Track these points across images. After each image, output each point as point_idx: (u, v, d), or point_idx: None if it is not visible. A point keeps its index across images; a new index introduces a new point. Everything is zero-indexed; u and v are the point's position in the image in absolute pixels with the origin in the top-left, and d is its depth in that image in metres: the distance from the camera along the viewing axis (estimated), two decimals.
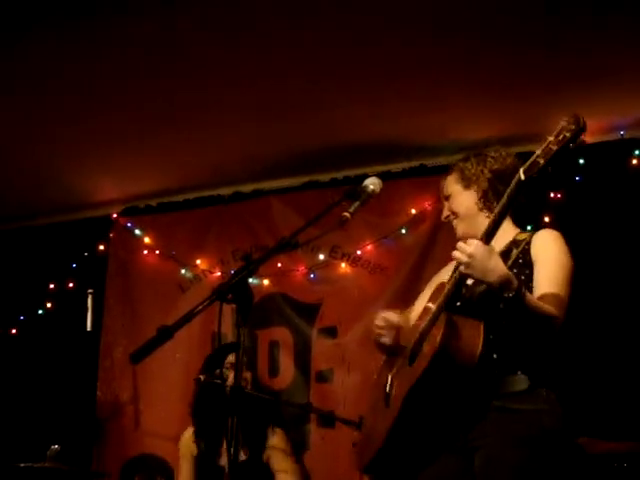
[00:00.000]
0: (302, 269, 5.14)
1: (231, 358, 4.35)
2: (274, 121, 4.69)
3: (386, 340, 2.82)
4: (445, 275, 2.97)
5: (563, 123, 2.32)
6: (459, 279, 2.54)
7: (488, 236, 2.47)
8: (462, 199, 2.86)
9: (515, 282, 2.43)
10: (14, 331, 5.83)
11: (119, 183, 5.55)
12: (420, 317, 2.80)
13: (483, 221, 2.75)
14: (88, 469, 5.08)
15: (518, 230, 2.80)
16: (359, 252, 5.03)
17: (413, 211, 4.91)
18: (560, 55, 4.00)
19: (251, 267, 2.36)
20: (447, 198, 2.92)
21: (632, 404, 4.12)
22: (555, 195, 4.60)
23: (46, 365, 5.67)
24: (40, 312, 5.78)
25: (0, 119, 4.64)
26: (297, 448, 4.57)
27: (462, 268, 2.45)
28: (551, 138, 2.33)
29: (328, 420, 4.73)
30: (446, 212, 2.93)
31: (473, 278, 2.49)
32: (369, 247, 5.00)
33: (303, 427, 4.94)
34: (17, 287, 5.87)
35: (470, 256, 2.40)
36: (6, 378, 5.74)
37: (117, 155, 5.14)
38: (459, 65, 4.10)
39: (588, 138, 4.54)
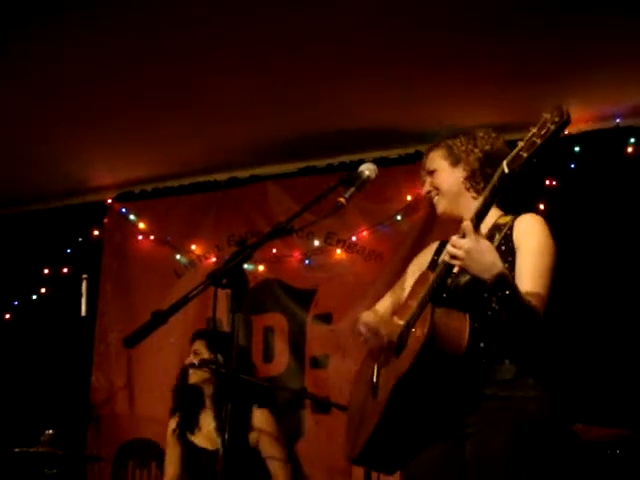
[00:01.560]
0: (297, 255, 5.14)
1: (195, 345, 4.37)
2: (270, 107, 4.68)
3: (371, 343, 2.79)
4: (423, 262, 2.95)
5: (547, 115, 2.23)
6: (445, 271, 2.49)
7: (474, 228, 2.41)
8: (447, 175, 2.80)
9: (511, 280, 2.40)
10: (8, 316, 5.82)
11: (114, 168, 5.54)
12: (402, 307, 2.78)
13: (467, 201, 2.74)
14: (82, 453, 5.09)
15: (500, 212, 2.74)
16: (354, 238, 5.03)
17: (409, 197, 4.90)
18: (556, 43, 3.99)
19: (246, 252, 2.35)
20: (431, 173, 2.85)
21: (626, 391, 4.14)
22: (550, 182, 4.60)
23: (40, 350, 5.67)
24: (34, 297, 5.78)
25: None
26: (289, 432, 4.59)
27: (457, 263, 2.40)
28: (534, 130, 2.25)
29: (323, 406, 4.74)
30: (428, 187, 2.86)
31: (468, 274, 2.45)
32: (364, 233, 5.00)
33: (298, 413, 4.95)
34: (11, 272, 5.86)
35: (467, 252, 2.35)
36: (0, 363, 5.74)
37: (112, 140, 5.12)
38: (455, 52, 4.09)
39: (584, 125, 4.57)
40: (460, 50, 4.07)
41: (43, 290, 5.77)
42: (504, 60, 4.16)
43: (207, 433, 4.26)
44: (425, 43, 4.04)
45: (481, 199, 2.42)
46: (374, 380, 2.75)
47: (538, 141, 2.23)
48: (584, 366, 4.26)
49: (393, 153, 5.02)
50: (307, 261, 5.14)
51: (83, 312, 5.53)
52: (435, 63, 4.21)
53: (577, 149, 4.59)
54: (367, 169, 2.75)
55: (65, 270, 5.75)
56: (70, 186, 5.76)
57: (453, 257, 2.39)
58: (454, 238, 2.40)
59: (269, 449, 4.21)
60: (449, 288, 2.55)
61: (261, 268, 5.19)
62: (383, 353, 2.75)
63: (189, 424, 4.31)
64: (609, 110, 4.54)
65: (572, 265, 4.34)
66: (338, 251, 5.08)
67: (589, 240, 4.43)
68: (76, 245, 5.75)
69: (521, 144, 2.27)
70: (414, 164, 4.91)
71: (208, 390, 4.29)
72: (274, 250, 5.11)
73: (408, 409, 2.57)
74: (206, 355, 4.24)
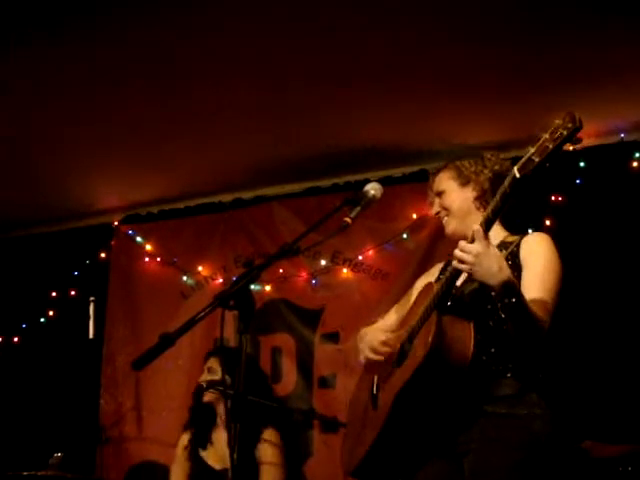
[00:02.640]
0: (304, 275, 5.14)
1: (209, 363, 4.38)
2: (275, 127, 4.69)
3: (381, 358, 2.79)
4: (432, 276, 2.95)
5: (558, 121, 2.24)
6: (451, 279, 2.49)
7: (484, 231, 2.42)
8: (456, 196, 2.83)
9: (518, 287, 2.39)
10: (16, 339, 5.83)
11: (120, 191, 5.56)
12: (405, 320, 2.78)
13: (477, 220, 2.75)
14: (91, 477, 5.07)
15: (507, 233, 2.77)
16: (360, 257, 5.02)
17: (414, 216, 4.90)
18: (559, 58, 4.00)
19: (253, 273, 2.36)
20: (439, 194, 2.88)
21: (635, 406, 4.12)
22: (556, 198, 4.59)
23: (49, 373, 5.67)
24: (42, 320, 5.78)
25: (1, 129, 4.65)
26: (298, 452, 4.58)
27: (464, 267, 2.37)
28: (546, 136, 2.24)
29: (331, 426, 4.72)
30: (437, 208, 2.89)
31: (474, 279, 2.44)
32: (370, 252, 5.00)
33: (306, 433, 4.93)
34: (19, 295, 5.87)
35: (476, 256, 2.33)
36: (9, 386, 5.74)
37: (118, 163, 5.14)
38: (459, 70, 4.10)
39: (588, 141, 4.57)
40: (464, 67, 4.08)
41: (51, 313, 5.78)
42: (508, 77, 4.17)
43: (218, 451, 4.26)
44: (429, 61, 4.05)
45: (491, 205, 2.41)
46: (374, 391, 2.74)
47: (550, 145, 2.23)
48: (592, 382, 4.23)
49: (398, 172, 5.03)
50: (314, 281, 5.13)
51: (91, 334, 5.52)
52: (439, 81, 4.21)
53: (582, 164, 4.60)
54: (372, 188, 2.76)
55: (72, 293, 5.76)
56: (77, 209, 5.78)
57: (461, 262, 2.37)
58: (462, 243, 2.38)
59: (269, 457, 4.21)
60: (454, 296, 2.55)
61: (268, 288, 5.19)
62: (384, 364, 2.74)
63: (201, 440, 4.31)
64: (613, 125, 4.55)
65: (579, 280, 4.33)
66: (344, 270, 5.07)
67: (596, 255, 4.42)
68: (83, 268, 5.76)
69: (532, 149, 2.27)
70: (419, 182, 4.91)
71: (220, 408, 4.31)
72: (281, 270, 5.11)
73: (409, 422, 2.56)
74: (219, 372, 4.26)
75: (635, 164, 4.52)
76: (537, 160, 2.25)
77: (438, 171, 2.92)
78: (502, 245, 2.68)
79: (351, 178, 5.13)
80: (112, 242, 5.74)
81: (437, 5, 3.62)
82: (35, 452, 4.92)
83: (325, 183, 5.25)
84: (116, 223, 5.76)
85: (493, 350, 2.53)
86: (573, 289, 4.34)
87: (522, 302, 2.38)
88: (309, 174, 5.21)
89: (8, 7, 3.54)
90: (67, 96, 4.31)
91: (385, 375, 2.70)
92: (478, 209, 2.78)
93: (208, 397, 4.33)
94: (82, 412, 5.47)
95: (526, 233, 2.73)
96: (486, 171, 2.79)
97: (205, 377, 4.32)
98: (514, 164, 2.32)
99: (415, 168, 4.97)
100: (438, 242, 4.67)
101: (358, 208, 2.68)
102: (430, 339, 2.42)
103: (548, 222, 4.50)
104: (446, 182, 2.86)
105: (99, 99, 4.35)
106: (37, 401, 5.62)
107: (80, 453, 5.18)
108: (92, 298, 5.58)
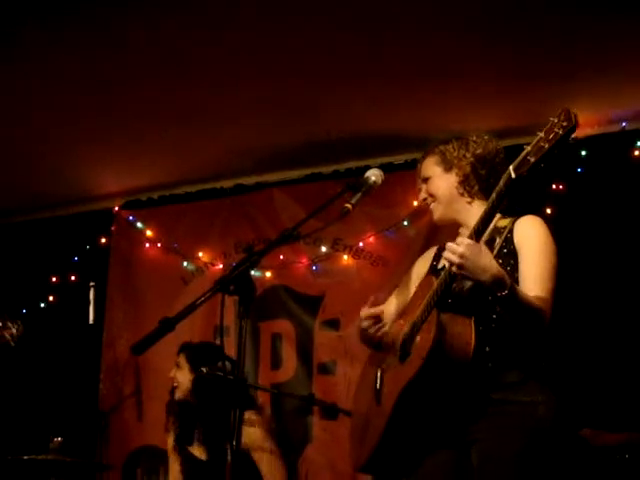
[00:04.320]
0: (304, 261, 5.14)
1: (178, 359, 4.38)
2: (275, 113, 4.69)
3: (375, 333, 2.77)
4: (423, 266, 2.94)
5: (554, 119, 2.21)
6: (449, 277, 2.48)
7: (478, 234, 2.43)
8: (441, 182, 2.80)
9: (508, 280, 2.38)
10: None
11: (120, 176, 5.56)
12: (406, 312, 2.77)
13: (462, 206, 2.74)
14: (91, 461, 5.09)
15: (499, 215, 2.71)
16: (361, 244, 5.03)
17: (415, 203, 4.88)
18: (561, 46, 3.99)
19: (253, 259, 2.35)
20: (425, 180, 2.86)
21: (634, 395, 4.13)
22: (557, 187, 4.59)
23: (49, 358, 5.68)
24: (42, 305, 5.80)
25: (1, 113, 4.64)
26: (297, 438, 4.59)
27: (454, 269, 2.39)
28: (541, 134, 2.23)
29: (331, 412, 4.73)
30: (423, 194, 2.87)
31: (465, 278, 2.45)
32: (371, 239, 5.00)
33: (305, 419, 4.94)
34: (19, 280, 5.87)
35: (462, 256, 2.34)
36: (9, 371, 5.75)
37: (118, 148, 5.14)
38: (461, 57, 4.10)
39: (590, 129, 4.57)
40: (464, 55, 4.08)
41: (51, 298, 5.79)
42: (509, 64, 4.16)
43: (202, 443, 4.25)
44: (428, 48, 4.04)
45: (488, 204, 2.42)
46: (377, 386, 2.73)
47: (546, 145, 2.21)
48: (591, 370, 4.25)
49: (399, 159, 5.02)
50: (314, 267, 5.14)
51: (91, 320, 5.54)
52: (439, 68, 4.21)
53: (584, 153, 4.59)
54: (373, 175, 2.76)
55: (73, 278, 5.77)
56: (77, 194, 5.78)
57: (451, 263, 2.39)
58: (449, 244, 2.39)
59: (257, 442, 4.15)
60: (454, 293, 2.55)
61: (268, 274, 5.19)
62: (386, 357, 2.74)
63: (186, 437, 4.29)
64: (615, 114, 4.54)
65: (579, 269, 4.35)
66: (345, 257, 5.08)
67: (596, 244, 4.42)
68: (83, 253, 5.77)
69: (528, 148, 2.26)
70: None
71: (195, 402, 4.27)
72: (281, 256, 5.12)
73: (414, 416, 2.56)
74: (187, 369, 4.26)
75: (636, 153, 4.51)
76: (532, 160, 2.24)
77: (424, 156, 2.90)
78: (495, 231, 2.65)
79: (352, 164, 5.13)
80: (112, 227, 5.74)
81: None
82: (35, 437, 4.92)
83: (326, 169, 5.24)
84: (116, 208, 5.75)
85: (496, 341, 2.53)
86: (573, 278, 4.39)
87: (515, 294, 2.39)
88: (310, 160, 5.21)
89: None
90: (68, 82, 4.31)
91: (388, 370, 2.70)
92: (462, 195, 2.76)
93: (179, 395, 4.29)
94: (82, 397, 5.49)
95: (518, 216, 2.70)
96: (468, 155, 2.76)
97: (174, 372, 4.31)
98: (508, 153, 2.30)
99: (416, 155, 4.86)
100: (438, 228, 4.66)
101: (359, 194, 2.68)
102: (431, 337, 2.43)
103: (549, 210, 4.50)
104: (431, 168, 2.84)
105: (100, 85, 4.34)
106: (37, 386, 5.63)
107: (80, 438, 5.19)
108: (92, 283, 5.59)
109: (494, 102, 4.50)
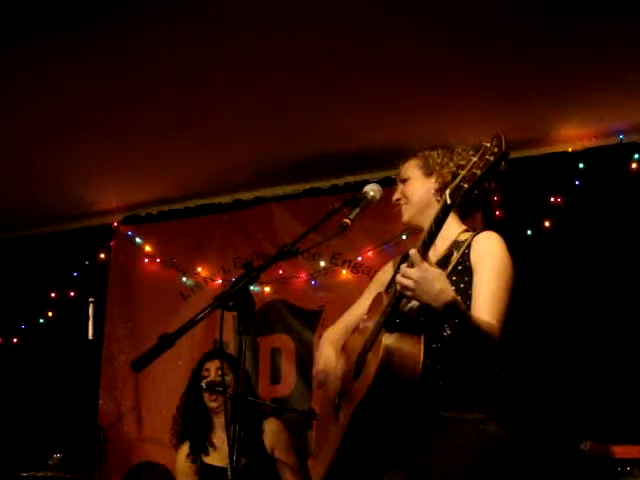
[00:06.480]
0: (303, 276, 5.15)
1: (208, 364, 4.38)
2: (274, 128, 4.70)
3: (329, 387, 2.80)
4: (388, 273, 2.94)
5: (486, 144, 2.18)
6: (397, 298, 2.42)
7: (422, 254, 2.35)
8: (419, 185, 2.79)
9: (462, 307, 2.33)
10: (16, 340, 5.84)
11: (120, 192, 5.57)
12: (362, 327, 2.76)
13: (434, 213, 2.73)
14: (91, 477, 5.07)
15: (463, 228, 2.71)
16: (360, 258, 5.03)
17: None
18: (560, 60, 4.00)
19: (252, 274, 2.36)
20: (404, 181, 2.86)
21: (633, 407, 4.12)
22: (555, 199, 4.59)
23: (48, 374, 5.68)
24: (41, 321, 5.80)
25: (1, 129, 4.66)
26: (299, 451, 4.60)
27: (407, 293, 2.32)
28: (475, 159, 2.20)
29: None
30: (398, 194, 2.86)
31: (418, 302, 2.38)
32: (370, 253, 5.00)
33: (305, 434, 4.93)
34: (18, 296, 5.88)
35: (416, 282, 2.28)
36: (8, 387, 5.74)
37: (118, 164, 5.14)
38: (459, 71, 4.10)
39: (588, 142, 4.58)
40: (461, 69, 4.08)
41: (50, 314, 5.79)
42: (506, 77, 4.17)
43: (222, 450, 4.22)
44: (426, 63, 4.05)
45: (426, 229, 2.37)
46: (335, 402, 2.73)
47: (478, 172, 2.18)
48: (591, 383, 4.24)
49: (397, 173, 5.01)
50: (313, 282, 5.14)
51: (90, 335, 5.52)
52: (436, 82, 4.22)
53: (581, 166, 4.59)
54: (372, 190, 2.77)
55: (72, 293, 5.77)
56: (76, 210, 5.79)
57: (404, 287, 2.32)
58: (403, 268, 2.33)
59: (282, 456, 4.23)
60: (402, 313, 2.50)
61: (267, 289, 5.19)
62: (343, 373, 2.74)
63: (202, 447, 4.29)
64: (612, 126, 4.55)
65: (578, 280, 4.35)
66: (344, 271, 5.08)
67: (595, 256, 4.42)
68: (83, 268, 5.77)
69: (463, 173, 2.22)
70: None
71: (216, 408, 4.29)
72: (280, 271, 5.11)
73: (367, 435, 2.54)
74: (216, 374, 4.29)
75: (634, 165, 4.52)
76: (466, 187, 2.21)
77: (407, 158, 2.90)
78: (454, 245, 2.63)
79: (350, 179, 5.14)
80: (111, 243, 5.74)
81: (436, 8, 3.62)
82: (35, 453, 4.91)
83: (324, 184, 5.25)
84: (115, 224, 5.76)
85: (446, 360, 2.50)
86: (572, 290, 4.39)
87: (467, 320, 2.34)
88: (308, 175, 5.22)
89: (8, 7, 3.55)
90: (67, 97, 4.32)
91: (347, 386, 2.69)
92: (438, 202, 2.67)
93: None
94: (81, 413, 5.47)
95: (479, 231, 2.67)
96: (451, 164, 2.73)
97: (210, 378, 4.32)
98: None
99: None
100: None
101: (357, 209, 2.68)
102: (378, 359, 2.39)
103: (547, 223, 4.51)
104: (412, 170, 2.84)
105: (99, 100, 4.35)
106: (37, 402, 5.63)
107: (79, 454, 5.17)
108: (91, 299, 5.58)
109: (491, 115, 4.48)
